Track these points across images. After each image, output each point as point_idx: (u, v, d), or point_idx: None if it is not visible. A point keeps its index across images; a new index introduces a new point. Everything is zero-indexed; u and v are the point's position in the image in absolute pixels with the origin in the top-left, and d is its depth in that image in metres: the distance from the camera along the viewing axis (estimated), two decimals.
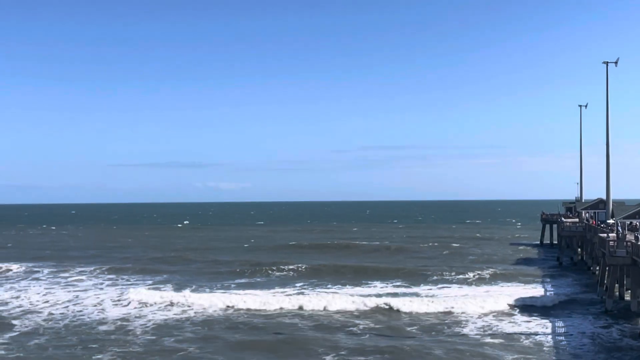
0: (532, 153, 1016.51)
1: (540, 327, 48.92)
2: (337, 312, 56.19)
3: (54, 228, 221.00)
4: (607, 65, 78.40)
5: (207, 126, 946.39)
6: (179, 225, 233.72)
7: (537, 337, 45.31)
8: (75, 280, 78.83)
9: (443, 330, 48.28)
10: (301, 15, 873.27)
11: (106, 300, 62.56)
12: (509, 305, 56.74)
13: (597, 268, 69.44)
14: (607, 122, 78.97)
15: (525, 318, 52.31)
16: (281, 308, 57.86)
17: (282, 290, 69.32)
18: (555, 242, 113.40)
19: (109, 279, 79.90)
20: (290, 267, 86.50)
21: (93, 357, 41.41)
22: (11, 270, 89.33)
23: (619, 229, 61.14)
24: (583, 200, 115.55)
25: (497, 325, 49.73)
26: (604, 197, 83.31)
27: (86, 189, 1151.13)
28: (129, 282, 77.19)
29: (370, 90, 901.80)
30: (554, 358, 39.90)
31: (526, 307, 56.38)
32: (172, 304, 60.60)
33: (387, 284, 73.37)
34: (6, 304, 62.29)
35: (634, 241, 52.23)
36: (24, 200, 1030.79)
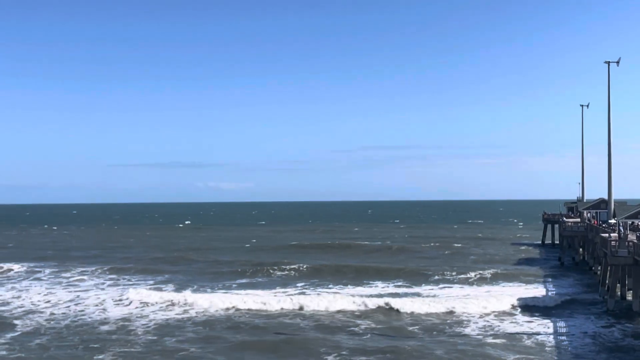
0: (534, 153, 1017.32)
1: (542, 327, 48.87)
2: (339, 312, 56.16)
3: (55, 228, 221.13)
4: (608, 65, 78.42)
5: (208, 126, 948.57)
6: (181, 225, 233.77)
7: (539, 337, 45.25)
8: (77, 280, 78.86)
9: (444, 331, 48.23)
10: (302, 15, 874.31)
11: (107, 300, 62.57)
12: (511, 305, 56.66)
13: (599, 268, 69.35)
14: (609, 121, 78.95)
15: (527, 318, 52.25)
16: (282, 308, 57.82)
17: (283, 290, 69.30)
18: (557, 242, 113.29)
19: (111, 279, 79.93)
20: (292, 267, 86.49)
21: (94, 357, 41.39)
22: (12, 270, 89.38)
23: (621, 228, 61.12)
24: (585, 200, 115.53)
25: (499, 326, 49.68)
26: (606, 197, 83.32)
27: (87, 189, 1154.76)
28: (131, 282, 77.21)
29: (371, 90, 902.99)
30: (555, 358, 39.84)
31: (528, 307, 56.31)
32: (173, 304, 60.59)
33: (389, 284, 73.32)
34: (7, 304, 62.33)
35: (635, 241, 52.15)
36: (26, 200, 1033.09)
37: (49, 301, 63.32)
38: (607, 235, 59.82)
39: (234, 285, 73.60)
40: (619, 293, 57.52)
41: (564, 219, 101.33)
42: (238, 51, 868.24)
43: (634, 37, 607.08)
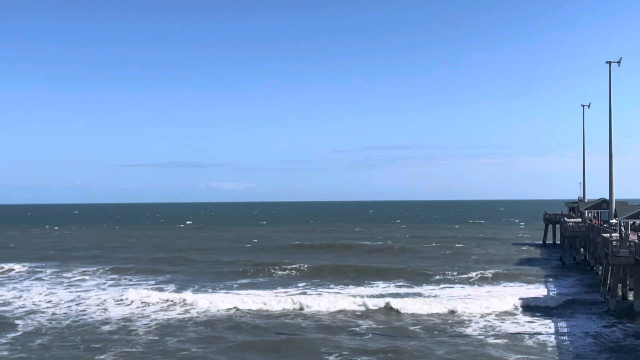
0: (535, 153, 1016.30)
1: (543, 327, 48.85)
2: (340, 312, 56.18)
3: (56, 228, 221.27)
4: (610, 65, 78.30)
5: (209, 126, 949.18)
6: (182, 226, 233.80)
7: (540, 337, 45.23)
8: (78, 281, 78.92)
9: (446, 331, 48.21)
10: (303, 15, 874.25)
11: (109, 300, 62.60)
12: (512, 305, 56.58)
13: (600, 268, 69.29)
14: (610, 121, 78.89)
15: (528, 318, 52.23)
16: (283, 308, 57.83)
17: (284, 290, 69.29)
18: (558, 242, 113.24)
19: (112, 279, 79.98)
20: (293, 267, 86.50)
21: (96, 358, 41.41)
22: (14, 270, 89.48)
23: (622, 228, 61.07)
24: (586, 200, 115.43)
25: (500, 326, 49.66)
26: (607, 197, 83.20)
27: (89, 189, 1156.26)
28: (132, 282, 77.26)
29: (372, 90, 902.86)
30: (557, 358, 39.82)
31: (529, 307, 56.28)
32: (174, 304, 60.63)
33: (390, 284, 73.29)
34: (9, 304, 62.40)
35: (637, 241, 52.11)
36: (27, 200, 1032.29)
37: (50, 301, 63.38)
38: (608, 235, 59.76)
39: (235, 286, 73.61)
40: (620, 293, 57.50)
41: (565, 219, 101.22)
42: (239, 51, 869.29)
43: (635, 37, 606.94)
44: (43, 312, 57.62)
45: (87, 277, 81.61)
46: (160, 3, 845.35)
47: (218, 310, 57.57)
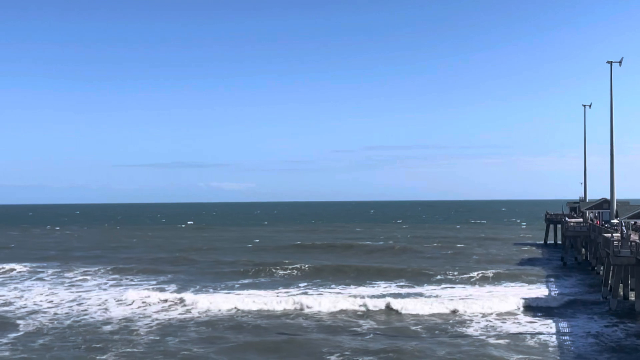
0: (536, 153, 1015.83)
1: (544, 327, 48.82)
2: (341, 312, 56.17)
3: (58, 228, 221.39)
4: (611, 64, 78.28)
5: (210, 127, 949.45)
6: (183, 226, 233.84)
7: (542, 337, 45.20)
8: (79, 281, 78.97)
9: (447, 331, 48.20)
10: (303, 15, 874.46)
11: (110, 301, 62.62)
12: (513, 305, 56.55)
13: (602, 268, 69.26)
14: (611, 121, 78.84)
15: (530, 318, 52.21)
16: (285, 308, 57.84)
17: (285, 290, 69.28)
18: (560, 242, 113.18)
19: (113, 279, 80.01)
20: (294, 267, 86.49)
21: (97, 358, 41.42)
22: (15, 270, 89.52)
23: (624, 228, 61.03)
24: (587, 200, 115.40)
25: (501, 326, 49.64)
26: (608, 197, 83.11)
27: (90, 189, 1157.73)
28: (133, 282, 77.28)
29: (373, 91, 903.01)
30: (558, 358, 39.80)
31: (530, 307, 56.25)
32: (175, 304, 60.65)
33: (391, 284, 73.26)
34: (10, 304, 62.44)
35: (638, 241, 52.09)
36: (29, 200, 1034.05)
37: (51, 301, 63.42)
38: (609, 235, 59.77)
39: (236, 286, 73.61)
40: (621, 293, 57.46)
41: (567, 219, 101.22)
42: (240, 51, 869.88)
43: (636, 36, 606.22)
44: (44, 312, 57.66)
45: (88, 277, 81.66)
46: (160, 3, 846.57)
47: (219, 311, 57.57)
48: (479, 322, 50.98)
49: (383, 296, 62.04)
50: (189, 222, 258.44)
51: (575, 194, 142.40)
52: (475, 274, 78.81)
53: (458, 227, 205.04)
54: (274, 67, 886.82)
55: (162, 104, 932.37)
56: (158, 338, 46.88)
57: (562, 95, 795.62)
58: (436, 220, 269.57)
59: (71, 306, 60.65)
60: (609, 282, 58.84)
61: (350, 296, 62.61)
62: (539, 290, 65.64)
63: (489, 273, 79.17)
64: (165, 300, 62.31)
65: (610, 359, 39.56)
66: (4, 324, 52.36)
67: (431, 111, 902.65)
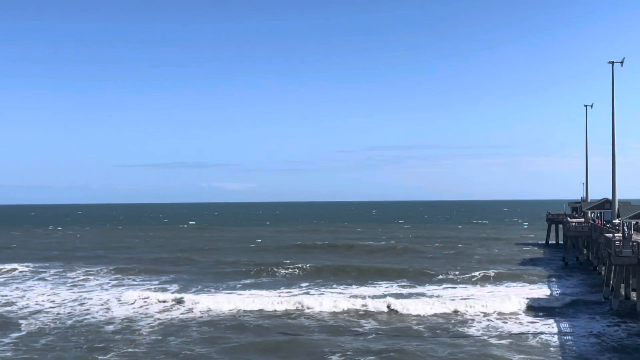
0: (538, 153, 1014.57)
1: (546, 327, 48.82)
2: (343, 312, 56.19)
3: (60, 228, 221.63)
4: (612, 65, 78.28)
5: (212, 127, 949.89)
6: (185, 226, 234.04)
7: (544, 337, 45.21)
8: (82, 281, 79.08)
9: (449, 331, 48.22)
10: (303, 15, 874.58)
11: (112, 300, 62.70)
12: (515, 305, 56.54)
13: (603, 268, 69.23)
14: (613, 121, 78.80)
15: (531, 318, 52.21)
16: (286, 308, 57.86)
17: (287, 290, 69.32)
18: (561, 242, 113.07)
19: (115, 279, 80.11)
20: (296, 267, 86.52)
21: (99, 358, 41.50)
22: (17, 270, 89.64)
23: (625, 228, 60.96)
24: (589, 200, 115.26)
25: (503, 326, 49.65)
26: (610, 197, 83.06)
27: (92, 189, 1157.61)
28: (135, 282, 77.38)
29: (374, 91, 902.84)
30: (560, 358, 39.81)
31: (532, 307, 56.24)
32: (177, 304, 60.71)
33: (393, 284, 73.28)
34: (13, 304, 62.55)
35: None
36: (31, 200, 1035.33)
37: (53, 301, 63.52)
38: (611, 235, 59.71)
39: (238, 286, 73.67)
40: (623, 293, 57.38)
41: (568, 219, 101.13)
42: (241, 51, 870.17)
43: (636, 37, 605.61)
44: (46, 312, 57.75)
45: (90, 277, 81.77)
46: (160, 3, 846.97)
47: (221, 311, 57.60)
48: (480, 322, 51.00)
49: (384, 296, 62.05)
50: (190, 222, 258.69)
51: (576, 194, 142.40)
52: (476, 274, 78.80)
53: (460, 227, 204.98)
54: (275, 67, 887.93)
55: (163, 104, 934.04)
56: (160, 338, 46.96)
57: (562, 95, 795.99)
58: (438, 220, 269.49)
59: (73, 306, 60.75)
60: (611, 282, 58.79)
61: (351, 296, 62.67)
62: (541, 290, 65.64)
63: (491, 273, 79.15)
64: (167, 301, 62.35)
65: (611, 358, 39.56)
66: (6, 324, 52.48)
67: (432, 111, 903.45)
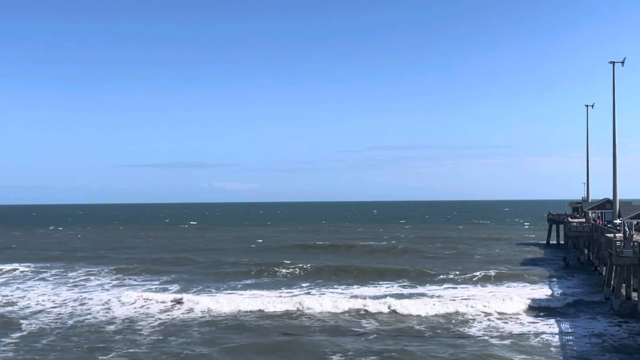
0: (539, 153, 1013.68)
1: (547, 327, 48.81)
2: (344, 312, 56.17)
3: (61, 229, 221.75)
4: (613, 65, 78.26)
5: (212, 127, 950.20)
6: (186, 226, 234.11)
7: (545, 338, 45.20)
8: (82, 281, 79.11)
9: (450, 331, 48.21)
10: (303, 15, 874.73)
11: (113, 301, 62.70)
12: (516, 305, 56.53)
13: (604, 268, 69.17)
14: (614, 121, 78.78)
15: (532, 319, 52.19)
16: (287, 309, 57.83)
17: (288, 290, 69.32)
18: (562, 242, 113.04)
19: (116, 279, 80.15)
20: (297, 267, 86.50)
21: (100, 358, 41.54)
22: (18, 270, 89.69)
23: (626, 229, 60.89)
24: (590, 200, 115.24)
25: (504, 326, 49.63)
26: (611, 197, 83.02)
27: (93, 189, 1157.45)
28: (136, 283, 77.40)
29: (375, 91, 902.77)
30: (561, 358, 39.80)
31: (533, 307, 56.23)
32: (178, 305, 60.71)
33: (394, 284, 73.28)
34: (14, 304, 62.59)
35: None
36: (32, 200, 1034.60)
37: (54, 301, 63.55)
38: (612, 235, 59.67)
39: (238, 286, 73.67)
40: (624, 293, 57.29)
41: (569, 219, 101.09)
42: (242, 51, 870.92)
43: (638, 37, 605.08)
44: (47, 312, 57.79)
45: (91, 278, 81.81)
46: (160, 3, 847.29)
47: (222, 311, 57.61)
48: (481, 323, 50.99)
49: (385, 296, 62.06)
50: (191, 223, 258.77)
51: (577, 194, 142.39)
52: (477, 274, 78.78)
53: (461, 227, 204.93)
54: (275, 67, 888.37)
55: (163, 104, 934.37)
56: (161, 338, 46.99)
57: (563, 96, 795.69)
58: (439, 220, 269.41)
59: (74, 306, 60.78)
60: (612, 282, 58.74)
61: (352, 296, 62.68)
62: (542, 291, 65.60)
63: (492, 273, 79.12)
64: (168, 301, 62.34)
65: (612, 359, 39.55)
66: (7, 324, 52.52)
67: (433, 111, 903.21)
